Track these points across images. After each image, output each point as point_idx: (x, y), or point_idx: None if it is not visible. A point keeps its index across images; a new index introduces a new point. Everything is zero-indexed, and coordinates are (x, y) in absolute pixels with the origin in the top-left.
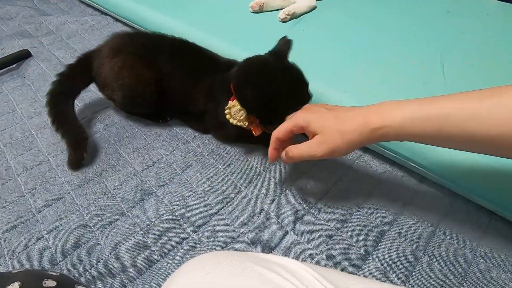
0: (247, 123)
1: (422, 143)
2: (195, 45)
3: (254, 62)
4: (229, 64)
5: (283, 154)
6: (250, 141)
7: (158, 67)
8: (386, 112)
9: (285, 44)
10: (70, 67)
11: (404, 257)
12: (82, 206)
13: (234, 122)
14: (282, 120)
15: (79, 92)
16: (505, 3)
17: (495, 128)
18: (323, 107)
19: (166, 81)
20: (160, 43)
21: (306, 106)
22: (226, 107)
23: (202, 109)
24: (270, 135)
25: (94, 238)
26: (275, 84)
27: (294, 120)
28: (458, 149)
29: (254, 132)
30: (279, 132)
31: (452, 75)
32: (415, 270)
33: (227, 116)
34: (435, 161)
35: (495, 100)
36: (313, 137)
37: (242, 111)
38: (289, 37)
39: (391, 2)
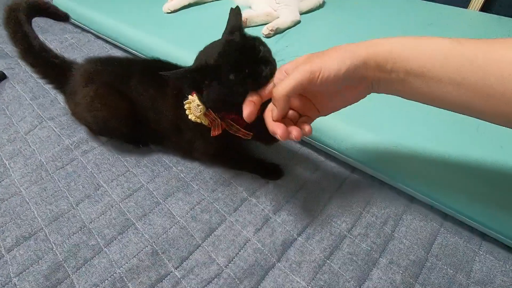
0: (207, 121)
1: (403, 85)
2: (168, 64)
3: (204, 49)
4: None
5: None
6: (231, 153)
7: (131, 94)
8: (373, 42)
9: (235, 16)
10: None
11: None
12: (55, 243)
13: (193, 118)
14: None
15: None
16: (485, 13)
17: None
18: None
19: (139, 107)
20: (132, 68)
21: (296, 60)
22: (185, 102)
23: (183, 131)
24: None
25: (67, 279)
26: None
27: (305, 70)
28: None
29: (212, 132)
30: (286, 88)
31: None
32: None
33: (187, 112)
34: (424, 181)
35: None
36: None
37: (201, 106)
38: (273, 53)
39: (374, 16)
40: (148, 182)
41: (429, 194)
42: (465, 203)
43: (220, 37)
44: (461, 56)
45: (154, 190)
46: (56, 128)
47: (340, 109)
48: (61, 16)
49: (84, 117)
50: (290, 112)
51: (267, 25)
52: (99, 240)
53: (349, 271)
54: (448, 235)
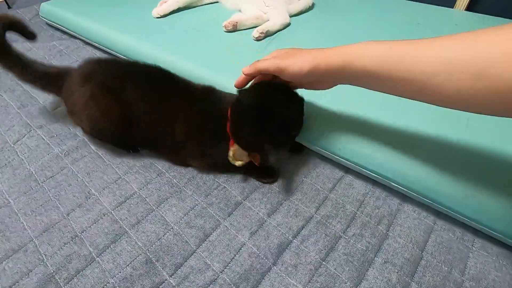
0: (249, 159)
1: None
2: (168, 73)
3: (247, 107)
4: (204, 91)
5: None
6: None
7: (128, 99)
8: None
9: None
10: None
11: (392, 287)
12: (46, 255)
13: (239, 163)
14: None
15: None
16: (471, 12)
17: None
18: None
19: (136, 113)
20: (131, 72)
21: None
22: (230, 153)
23: (179, 140)
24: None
25: None
26: (276, 124)
27: (274, 63)
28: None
29: (256, 163)
30: (258, 66)
31: None
32: None
33: (230, 160)
34: (416, 179)
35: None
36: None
37: (245, 153)
38: (264, 55)
39: (362, 17)
40: (141, 189)
41: (422, 192)
42: (458, 200)
43: (212, 41)
44: (390, 59)
45: (147, 197)
46: (45, 136)
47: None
48: (29, 34)
49: (79, 116)
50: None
51: (257, 28)
52: (91, 249)
53: (345, 272)
54: (442, 232)
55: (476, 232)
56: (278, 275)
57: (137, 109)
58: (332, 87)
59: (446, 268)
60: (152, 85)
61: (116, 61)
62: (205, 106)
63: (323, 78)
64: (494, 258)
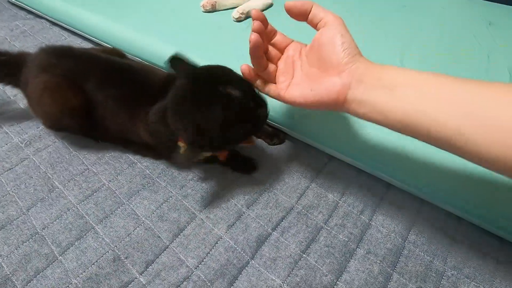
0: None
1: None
2: (129, 66)
3: (180, 93)
4: (168, 80)
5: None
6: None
7: (87, 93)
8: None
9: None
10: None
11: (374, 278)
12: (1, 255)
13: (195, 160)
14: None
15: None
16: None
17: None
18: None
19: (98, 110)
20: (90, 66)
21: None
22: (180, 151)
23: (146, 141)
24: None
25: None
26: (214, 115)
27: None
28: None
29: (220, 157)
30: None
31: None
32: None
33: (183, 157)
34: (399, 166)
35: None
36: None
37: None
38: (245, 37)
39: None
40: (110, 181)
41: (405, 180)
42: (441, 188)
43: (188, 21)
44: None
45: (116, 189)
46: (3, 125)
47: (305, 97)
48: None
49: (35, 110)
50: (272, 68)
51: (237, 8)
52: (53, 248)
53: (326, 265)
54: (425, 221)
55: (459, 220)
56: (256, 269)
57: (98, 107)
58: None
59: (429, 258)
60: (113, 81)
61: (73, 52)
62: (162, 103)
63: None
64: (476, 246)
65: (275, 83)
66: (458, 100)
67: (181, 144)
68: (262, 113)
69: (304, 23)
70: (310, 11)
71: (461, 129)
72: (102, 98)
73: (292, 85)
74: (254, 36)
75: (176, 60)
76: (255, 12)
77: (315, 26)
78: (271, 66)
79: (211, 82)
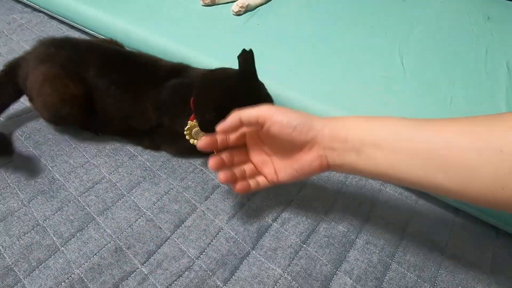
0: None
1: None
2: (131, 53)
3: (217, 83)
4: (173, 69)
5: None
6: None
7: (88, 82)
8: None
9: (245, 60)
10: None
11: (373, 267)
12: (3, 246)
13: (195, 142)
14: None
15: (7, 106)
16: None
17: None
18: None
19: (99, 99)
20: (90, 55)
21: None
22: (185, 128)
23: (152, 124)
24: None
25: (18, 284)
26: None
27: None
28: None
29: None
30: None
31: (411, 67)
32: (385, 280)
33: (187, 137)
34: None
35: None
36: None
37: (201, 132)
38: (244, 32)
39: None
40: (111, 173)
41: None
42: None
43: (188, 15)
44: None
45: (117, 182)
46: (2, 117)
47: (295, 176)
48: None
49: (36, 102)
50: (249, 167)
51: (236, 2)
52: (54, 239)
53: (326, 255)
54: (423, 212)
55: (457, 211)
56: (257, 259)
57: (100, 95)
58: (320, 169)
59: (427, 248)
60: (114, 68)
61: (72, 42)
62: (176, 84)
63: (312, 142)
64: (474, 237)
65: (261, 175)
66: (422, 149)
67: (190, 122)
68: None
69: (303, 18)
70: (241, 119)
71: (429, 177)
72: (104, 85)
73: (278, 171)
74: (223, 175)
75: (248, 53)
76: (201, 144)
77: (260, 126)
78: (248, 166)
79: (255, 86)
